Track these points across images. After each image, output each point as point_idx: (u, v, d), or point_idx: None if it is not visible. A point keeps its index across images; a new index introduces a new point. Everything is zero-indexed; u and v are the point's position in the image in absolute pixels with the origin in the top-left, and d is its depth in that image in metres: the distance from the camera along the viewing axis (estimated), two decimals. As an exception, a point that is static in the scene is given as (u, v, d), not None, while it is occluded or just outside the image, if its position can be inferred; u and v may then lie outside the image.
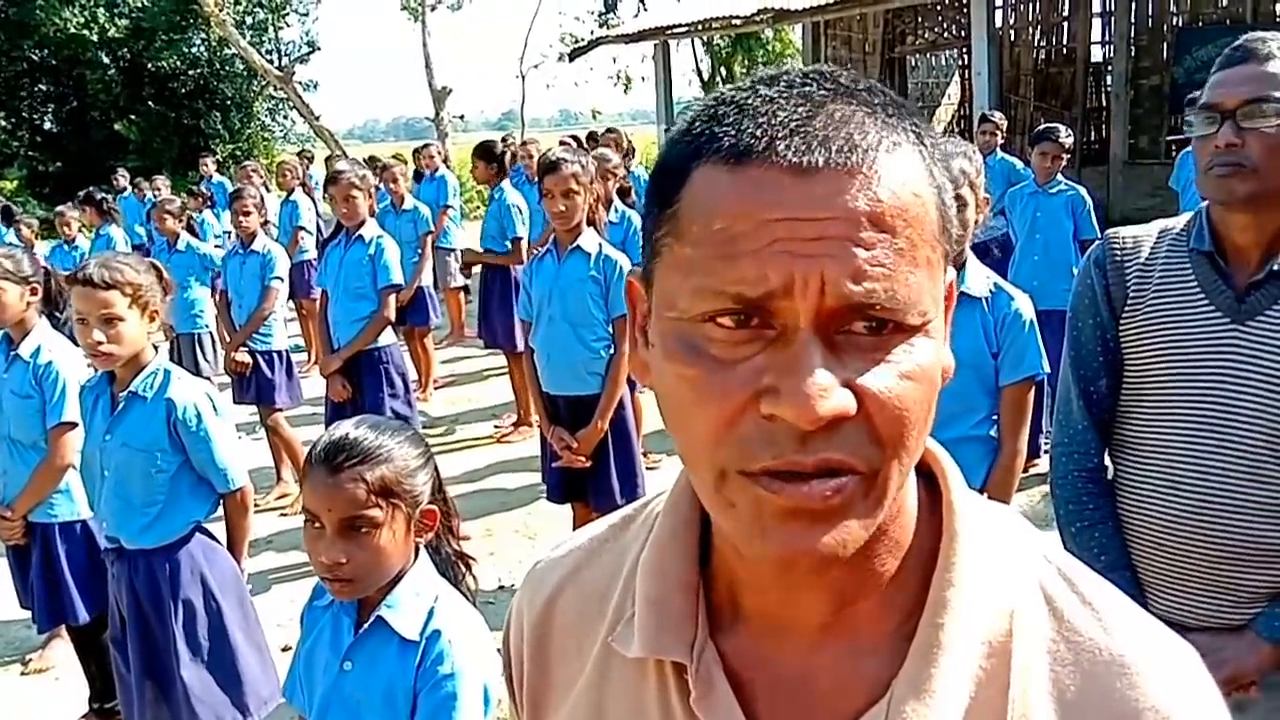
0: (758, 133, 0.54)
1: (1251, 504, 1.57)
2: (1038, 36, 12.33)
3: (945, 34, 13.24)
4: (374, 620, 1.67)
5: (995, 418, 2.43)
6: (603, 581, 0.74)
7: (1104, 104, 12.00)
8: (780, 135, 0.53)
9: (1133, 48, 11.39)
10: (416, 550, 1.73)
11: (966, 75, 12.56)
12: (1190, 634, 1.10)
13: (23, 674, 3.97)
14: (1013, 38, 12.28)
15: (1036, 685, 0.60)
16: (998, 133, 6.84)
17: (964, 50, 12.66)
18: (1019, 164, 6.79)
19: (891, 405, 0.54)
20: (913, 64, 13.97)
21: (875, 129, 0.54)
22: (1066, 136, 5.16)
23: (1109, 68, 11.75)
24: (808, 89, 0.56)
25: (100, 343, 2.46)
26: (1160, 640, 0.63)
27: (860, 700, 0.62)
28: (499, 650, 0.82)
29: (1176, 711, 0.60)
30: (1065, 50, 12.13)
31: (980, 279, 2.42)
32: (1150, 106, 11.28)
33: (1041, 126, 5.35)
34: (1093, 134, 12.06)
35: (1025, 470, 2.35)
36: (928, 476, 0.67)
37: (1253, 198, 1.54)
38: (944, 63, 13.97)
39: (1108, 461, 1.80)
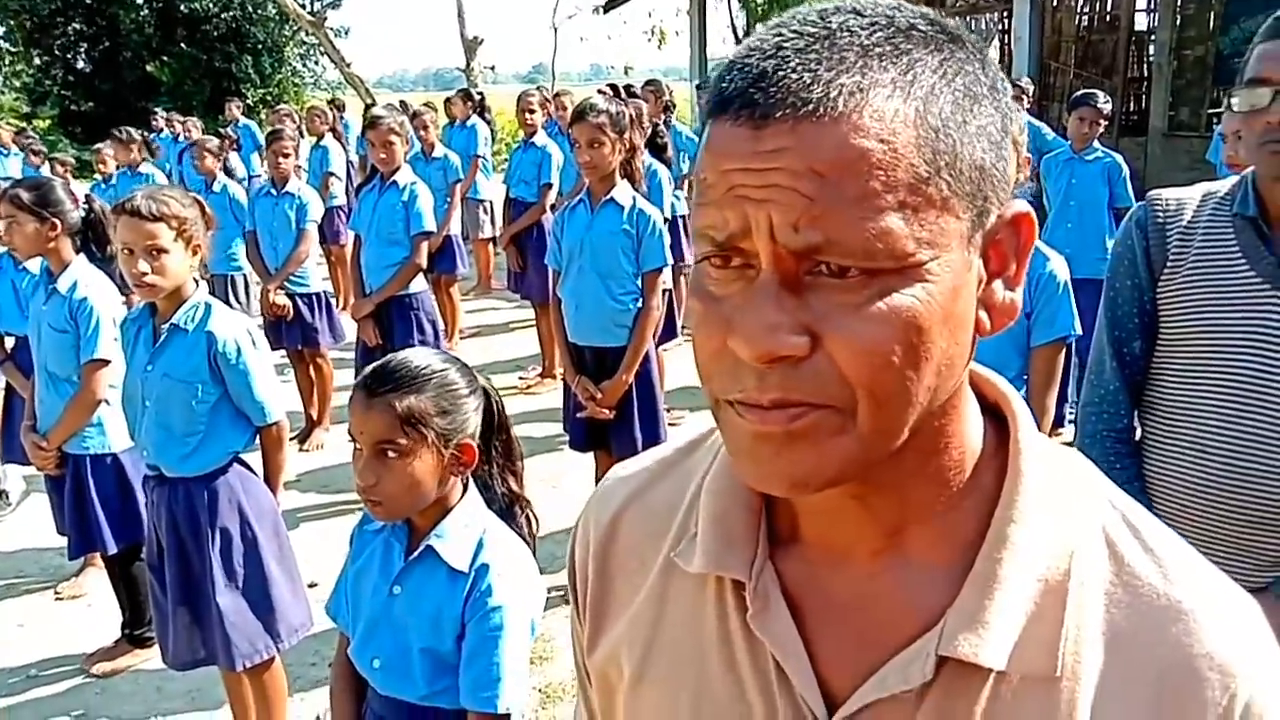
0: (729, 87, 0.56)
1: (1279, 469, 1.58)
2: (1081, 2, 12.09)
3: (987, -3, 13.00)
4: (424, 549, 1.72)
5: (1026, 377, 2.44)
6: (668, 500, 0.77)
7: (1145, 74, 11.78)
8: (740, 89, 0.55)
9: (1178, 17, 11.15)
10: (466, 484, 1.77)
11: (1006, 40, 12.34)
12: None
13: (57, 599, 4.08)
14: (1055, 3, 12.05)
15: (1091, 625, 0.62)
16: (1024, 97, 6.75)
17: (1005, 14, 12.43)
18: (1046, 129, 6.70)
19: (852, 346, 0.55)
20: (952, 27, 13.74)
21: (833, 76, 0.54)
22: (1105, 103, 5.08)
23: (1152, 37, 11.51)
24: (790, 36, 0.56)
25: (145, 273, 2.50)
26: (1221, 590, 0.64)
27: (913, 627, 0.64)
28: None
29: (1234, 661, 0.60)
30: (1108, 17, 11.89)
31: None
32: (1193, 78, 11.06)
33: (1080, 92, 5.27)
34: (1132, 104, 11.85)
35: (1050, 436, 2.35)
36: (997, 415, 0.68)
37: None
38: (984, 26, 13.74)
39: (1137, 424, 1.80)
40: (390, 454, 1.66)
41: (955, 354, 0.59)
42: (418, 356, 1.73)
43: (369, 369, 1.72)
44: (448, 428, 1.69)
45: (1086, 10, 12.07)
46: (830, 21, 0.57)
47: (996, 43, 13.35)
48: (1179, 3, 11.09)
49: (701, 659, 0.71)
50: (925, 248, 0.55)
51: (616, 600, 0.78)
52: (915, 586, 0.65)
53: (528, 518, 1.85)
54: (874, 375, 0.56)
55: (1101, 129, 5.07)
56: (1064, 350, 2.39)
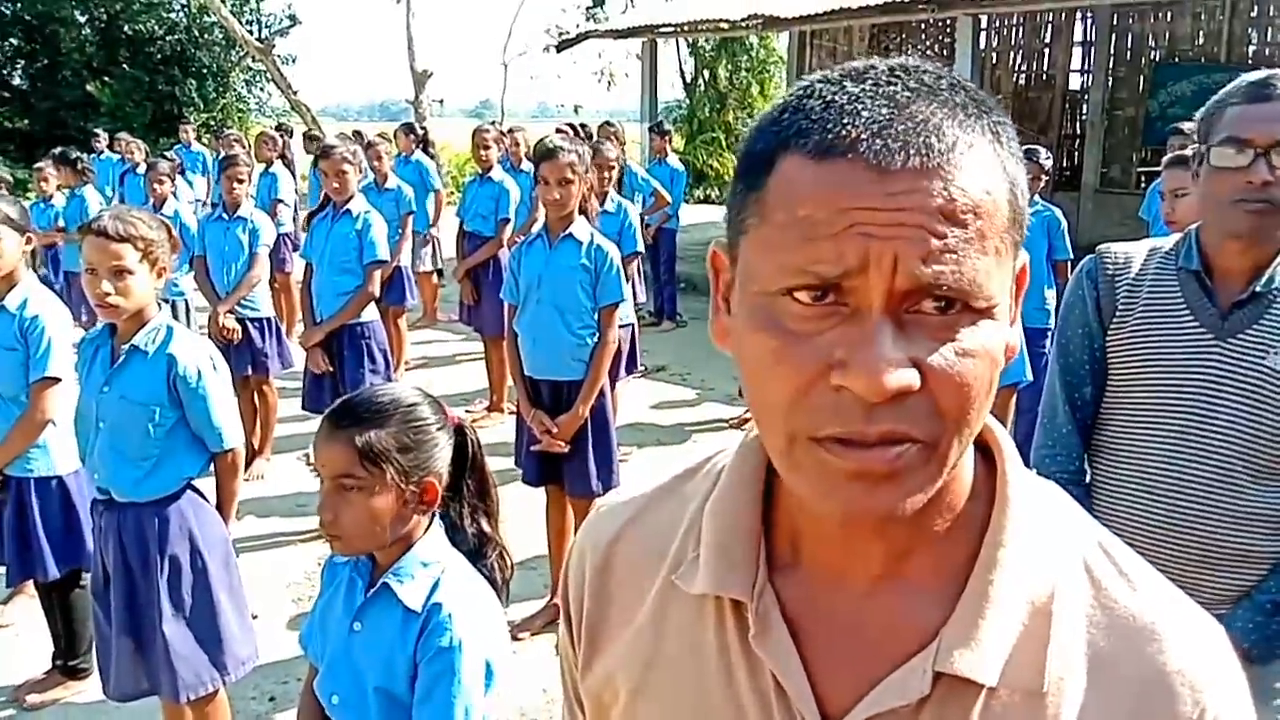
0: (842, 132, 0.59)
1: (1222, 510, 1.66)
2: (1019, 61, 12.54)
3: (929, 52, 13.42)
4: (380, 586, 1.69)
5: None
6: (665, 526, 0.80)
7: (1079, 131, 12.24)
8: (863, 137, 0.58)
9: (1110, 78, 11.63)
10: (431, 521, 1.74)
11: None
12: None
13: (-16, 627, 3.94)
14: (994, 60, 12.48)
15: (1074, 644, 0.67)
16: None
17: (946, 67, 12.84)
18: None
19: (954, 381, 0.59)
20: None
21: (952, 130, 0.59)
22: (1046, 159, 5.28)
23: (1086, 96, 11.98)
24: (893, 88, 0.61)
25: (108, 294, 2.47)
26: (1188, 612, 0.69)
27: (910, 645, 0.68)
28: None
29: (1201, 676, 0.66)
30: (1044, 75, 12.35)
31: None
32: (1124, 137, 11.53)
33: (1023, 148, 5.45)
34: (1066, 160, 12.29)
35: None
36: (984, 449, 0.73)
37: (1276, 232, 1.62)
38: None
39: (1087, 466, 1.88)
40: (349, 488, 1.63)
41: (994, 387, 0.65)
42: (386, 391, 1.71)
43: (338, 402, 1.70)
44: (409, 464, 1.66)
45: (1024, 69, 12.54)
46: (924, 79, 0.62)
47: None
48: (1111, 64, 11.59)
49: (701, 678, 0.74)
50: (1002, 291, 0.61)
51: (613, 622, 0.81)
52: (910, 607, 0.69)
53: (500, 557, 1.82)
54: (964, 408, 0.60)
55: (1042, 184, 5.26)
56: (1015, 396, 2.47)
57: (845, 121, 0.60)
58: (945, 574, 0.69)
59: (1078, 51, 12.15)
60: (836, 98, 0.61)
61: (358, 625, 1.71)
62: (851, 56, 13.50)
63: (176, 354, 2.58)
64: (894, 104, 0.60)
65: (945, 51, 12.63)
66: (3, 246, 3.16)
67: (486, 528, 1.83)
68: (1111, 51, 11.59)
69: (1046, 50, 12.30)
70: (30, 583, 3.63)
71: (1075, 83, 12.24)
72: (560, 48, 13.72)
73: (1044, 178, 5.26)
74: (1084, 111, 12.04)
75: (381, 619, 1.69)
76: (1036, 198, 5.27)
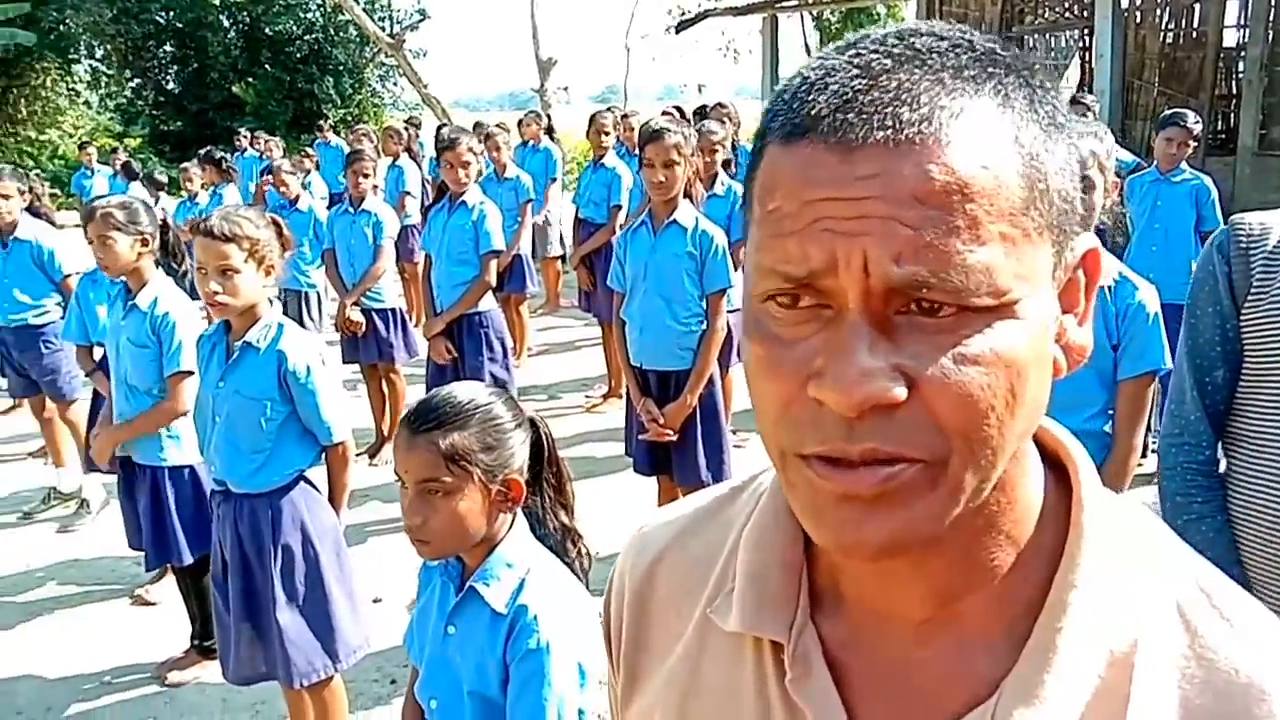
0: (808, 109, 0.52)
1: None
2: (1165, 18, 11.77)
3: (1067, 13, 12.73)
4: (467, 590, 1.68)
5: (1111, 412, 2.34)
6: (707, 551, 0.73)
7: (1234, 91, 11.41)
8: (826, 112, 0.51)
9: (1270, 32, 10.78)
10: (514, 520, 1.73)
11: (1087, 58, 12.07)
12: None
13: (132, 606, 4.17)
14: (1139, 19, 11.74)
15: (1161, 703, 0.56)
16: (1089, 114, 6.57)
17: (1085, 31, 12.16)
18: (1117, 149, 6.51)
19: (952, 393, 0.50)
20: (1030, 44, 13.48)
21: (932, 96, 0.50)
22: (1195, 123, 4.91)
23: (1242, 53, 11.14)
24: (874, 56, 0.52)
25: (216, 292, 2.55)
26: None
27: (965, 699, 0.59)
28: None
29: None
30: (1195, 33, 11.55)
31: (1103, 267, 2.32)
32: (1286, 95, 10.68)
33: (1169, 111, 5.10)
34: (1220, 122, 11.48)
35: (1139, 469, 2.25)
36: (1058, 467, 0.63)
37: None
38: (1064, 44, 13.45)
39: (1220, 455, 1.73)
40: (435, 492, 1.63)
41: (1040, 397, 0.55)
42: (462, 391, 1.70)
43: (413, 406, 1.69)
44: (493, 464, 1.65)
45: (1171, 27, 11.75)
46: (914, 42, 0.53)
47: (1077, 60, 13.06)
48: (1271, 17, 10.73)
49: None
50: (1022, 283, 0.52)
51: (652, 655, 0.74)
52: (968, 654, 0.60)
53: (580, 552, 1.80)
54: (973, 423, 0.51)
55: (1190, 149, 4.90)
56: (1153, 384, 2.28)
57: (813, 96, 0.52)
58: (1010, 616, 0.59)
59: (1233, 5, 11.31)
60: (812, 73, 0.53)
61: (451, 629, 1.71)
62: (983, 22, 12.89)
63: (286, 350, 2.64)
64: (867, 74, 0.51)
65: (1085, 13, 11.96)
66: (116, 249, 3.31)
67: (567, 521, 1.81)
68: (1272, 3, 10.74)
69: (1197, 6, 11.50)
70: (170, 566, 3.81)
71: (1230, 39, 11.40)
72: (680, 28, 13.62)
73: (1192, 143, 4.90)
74: (1240, 70, 11.20)
75: (472, 622, 1.68)
76: (1183, 165, 4.93)
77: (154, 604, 4.15)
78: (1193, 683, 0.56)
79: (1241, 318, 1.63)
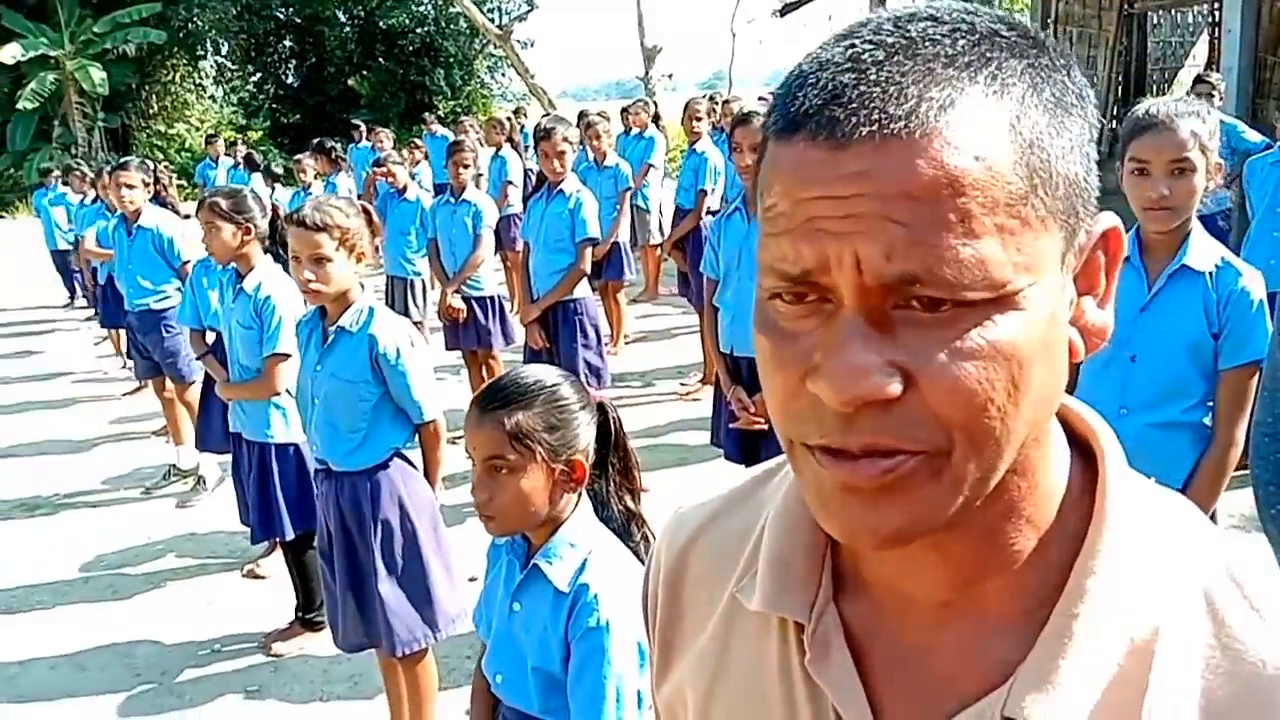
0: (799, 105, 0.52)
1: None
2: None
3: (1193, -11, 12.13)
4: (531, 568, 1.72)
5: (1211, 404, 2.24)
6: (738, 533, 0.74)
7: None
8: (815, 108, 0.51)
9: None
10: (579, 501, 1.76)
11: (1216, 33, 11.46)
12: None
13: (243, 578, 4.38)
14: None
15: (1182, 692, 0.55)
16: (1214, 95, 6.23)
17: (1215, 5, 11.55)
18: (1246, 129, 6.16)
19: (949, 386, 0.50)
20: (1155, 21, 12.88)
21: (919, 89, 0.49)
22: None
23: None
24: (867, 46, 0.51)
25: (310, 280, 2.66)
26: None
27: (981, 683, 0.59)
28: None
29: None
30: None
31: (1205, 252, 2.22)
32: None
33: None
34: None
35: (1240, 467, 2.15)
36: (1087, 453, 0.62)
37: None
38: (1190, 20, 12.81)
39: None
40: (501, 469, 1.67)
41: (1052, 384, 0.55)
42: (530, 373, 1.74)
43: (483, 387, 1.74)
44: (557, 443, 1.68)
45: (1311, -1, 11.05)
46: (909, 29, 0.52)
47: (1205, 36, 12.41)
48: None
49: (761, 700, 0.67)
50: (1022, 273, 0.51)
51: (685, 633, 0.76)
52: (987, 638, 0.60)
53: (645, 536, 1.82)
54: (973, 416, 0.51)
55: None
56: (1257, 375, 2.17)
57: (805, 91, 0.52)
58: (1030, 601, 0.59)
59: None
60: (808, 66, 0.53)
61: (516, 606, 1.75)
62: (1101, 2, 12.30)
63: (377, 334, 2.73)
64: (857, 67, 0.51)
65: (1214, -14, 11.35)
66: (221, 236, 3.48)
67: (632, 505, 1.83)
68: None
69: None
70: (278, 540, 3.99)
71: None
72: (784, 11, 13.46)
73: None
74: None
75: (536, 600, 1.72)
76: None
77: (264, 577, 4.35)
78: (1217, 673, 0.55)
79: None
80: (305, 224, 2.63)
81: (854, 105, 0.50)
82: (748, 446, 3.77)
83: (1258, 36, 10.32)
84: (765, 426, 3.62)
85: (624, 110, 9.35)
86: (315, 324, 2.85)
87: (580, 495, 1.76)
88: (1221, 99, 6.38)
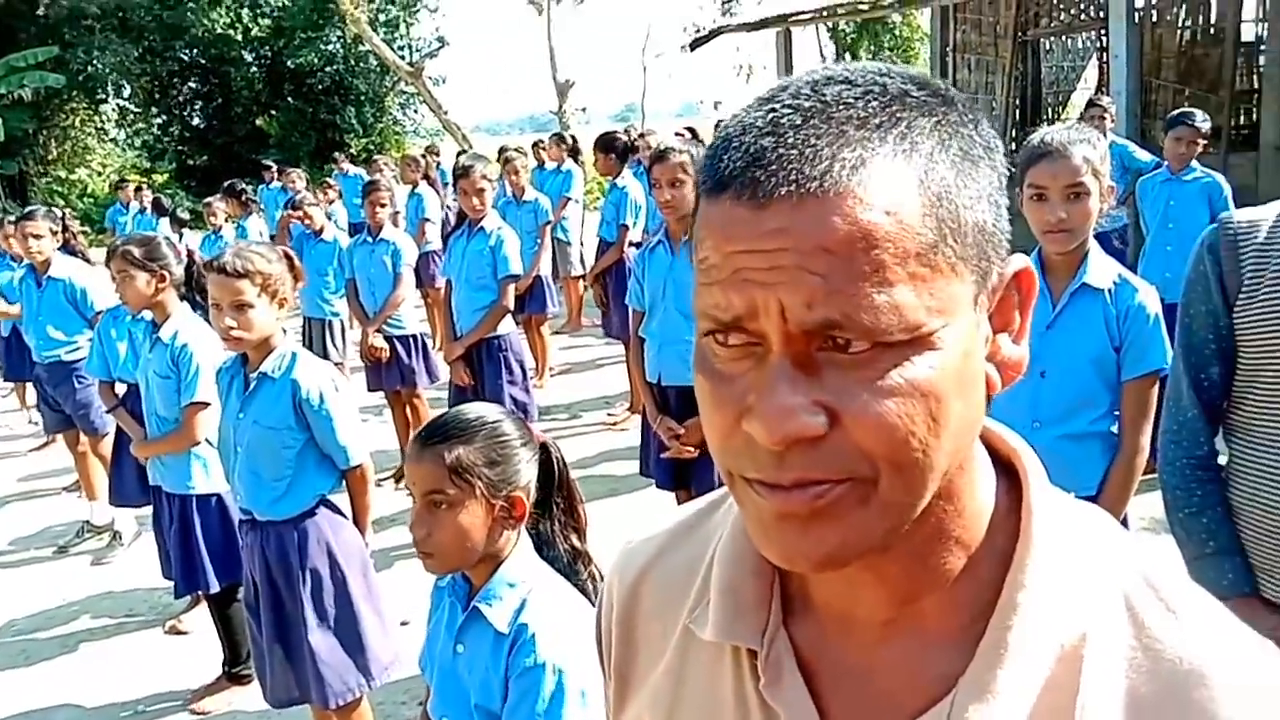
0: (724, 167, 0.56)
1: None
2: (1182, 15, 11.69)
3: (1082, 15, 12.68)
4: (472, 610, 1.71)
5: (1118, 414, 2.34)
6: (687, 565, 0.76)
7: (1255, 86, 11.30)
8: (738, 170, 0.55)
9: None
10: (519, 539, 1.75)
11: (1104, 58, 12.00)
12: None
13: (164, 634, 4.24)
14: (1154, 18, 11.68)
15: (1109, 693, 0.59)
16: (1106, 117, 6.55)
17: (1101, 32, 12.11)
18: (1136, 149, 6.48)
19: (870, 422, 0.54)
20: (1047, 47, 13.43)
21: (832, 150, 0.53)
22: (1203, 121, 4.90)
23: (1262, 47, 11.05)
24: (784, 112, 0.55)
25: (231, 327, 2.62)
26: (1248, 651, 0.60)
27: (925, 696, 0.62)
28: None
29: None
30: (1213, 29, 11.46)
31: (1104, 270, 2.33)
32: (1307, 88, 10.56)
33: (1175, 111, 5.09)
34: (1242, 118, 11.37)
35: (1149, 471, 2.26)
36: (1011, 473, 0.66)
37: None
38: (1080, 45, 13.39)
39: (1220, 448, 1.77)
40: (440, 505, 1.67)
41: (970, 416, 0.59)
42: (472, 409, 1.75)
43: (425, 425, 1.74)
44: (497, 479, 1.69)
45: (1188, 24, 11.67)
46: (824, 93, 0.56)
47: (1094, 61, 12.99)
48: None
49: None
50: (935, 316, 0.55)
51: (640, 666, 0.78)
52: (928, 654, 0.63)
53: (591, 575, 1.82)
54: (895, 448, 0.55)
55: (1200, 148, 4.88)
56: (1157, 384, 2.29)
57: (728, 154, 0.56)
58: (965, 616, 0.63)
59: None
60: (731, 130, 0.57)
61: (460, 647, 1.74)
62: (998, 26, 12.82)
63: (299, 379, 2.70)
64: (775, 130, 0.55)
65: (1100, 14, 11.91)
66: (136, 285, 3.42)
67: (577, 543, 1.84)
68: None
69: (1214, 1, 11.42)
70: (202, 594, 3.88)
71: (1249, 33, 11.31)
72: (694, 45, 13.69)
73: (1201, 142, 4.89)
74: (1260, 63, 11.11)
75: (478, 640, 1.71)
76: (1194, 163, 4.91)
77: (186, 633, 4.22)
78: (1140, 672, 0.59)
79: (1235, 315, 1.65)
80: (227, 270, 2.60)
81: (774, 167, 0.54)
82: (678, 474, 3.80)
83: (1142, 61, 10.86)
84: (694, 454, 3.66)
85: (535, 144, 9.39)
86: (236, 371, 2.80)
87: (520, 534, 1.76)
88: (1113, 121, 6.68)
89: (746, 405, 0.56)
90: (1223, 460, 1.78)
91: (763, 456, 0.55)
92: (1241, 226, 1.65)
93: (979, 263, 0.57)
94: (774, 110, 0.56)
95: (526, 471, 1.74)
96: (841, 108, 0.55)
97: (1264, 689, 0.58)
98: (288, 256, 2.75)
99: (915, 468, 0.56)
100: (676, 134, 5.81)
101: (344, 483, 2.87)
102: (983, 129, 0.60)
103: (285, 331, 2.79)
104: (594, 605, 1.75)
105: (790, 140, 0.54)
